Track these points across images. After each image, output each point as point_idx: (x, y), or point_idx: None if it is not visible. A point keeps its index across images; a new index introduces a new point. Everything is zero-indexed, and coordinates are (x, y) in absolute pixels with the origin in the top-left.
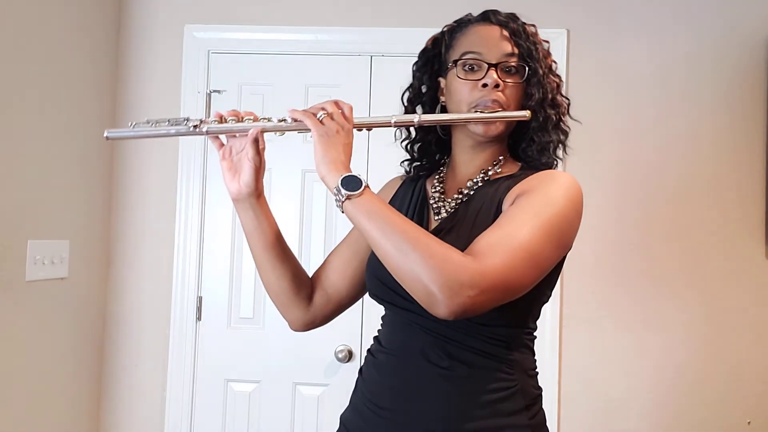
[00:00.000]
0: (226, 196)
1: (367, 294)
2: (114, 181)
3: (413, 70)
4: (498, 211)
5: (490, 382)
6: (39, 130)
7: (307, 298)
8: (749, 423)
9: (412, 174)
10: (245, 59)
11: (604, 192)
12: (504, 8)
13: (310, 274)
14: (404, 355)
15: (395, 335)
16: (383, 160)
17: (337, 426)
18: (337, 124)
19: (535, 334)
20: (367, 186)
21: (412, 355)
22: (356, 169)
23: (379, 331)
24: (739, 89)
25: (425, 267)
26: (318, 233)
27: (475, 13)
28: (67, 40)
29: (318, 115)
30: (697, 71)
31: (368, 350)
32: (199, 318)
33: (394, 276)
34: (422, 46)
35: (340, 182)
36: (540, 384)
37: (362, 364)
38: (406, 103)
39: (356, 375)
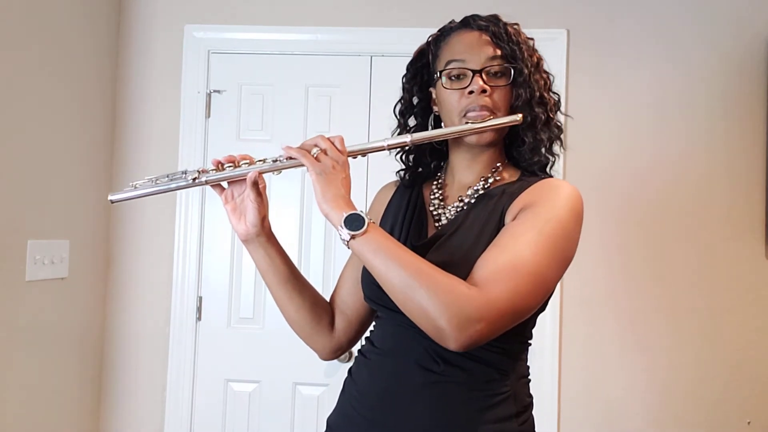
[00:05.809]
0: None
1: None
2: (114, 181)
3: (403, 83)
4: (501, 223)
5: (482, 388)
6: (39, 130)
7: (329, 325)
8: (749, 423)
9: (407, 181)
10: (245, 59)
11: (603, 192)
12: (503, 9)
13: (313, 275)
14: (397, 357)
15: (389, 338)
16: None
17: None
18: (332, 159)
19: (530, 342)
20: (371, 222)
21: (405, 358)
22: (355, 175)
23: (371, 332)
24: (739, 89)
25: (432, 302)
26: (318, 234)
27: (474, 12)
28: (67, 39)
29: (312, 152)
30: (697, 71)
31: (359, 351)
32: (199, 318)
33: (402, 311)
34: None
35: (343, 222)
36: (540, 385)
37: (352, 364)
38: (398, 116)
39: None
